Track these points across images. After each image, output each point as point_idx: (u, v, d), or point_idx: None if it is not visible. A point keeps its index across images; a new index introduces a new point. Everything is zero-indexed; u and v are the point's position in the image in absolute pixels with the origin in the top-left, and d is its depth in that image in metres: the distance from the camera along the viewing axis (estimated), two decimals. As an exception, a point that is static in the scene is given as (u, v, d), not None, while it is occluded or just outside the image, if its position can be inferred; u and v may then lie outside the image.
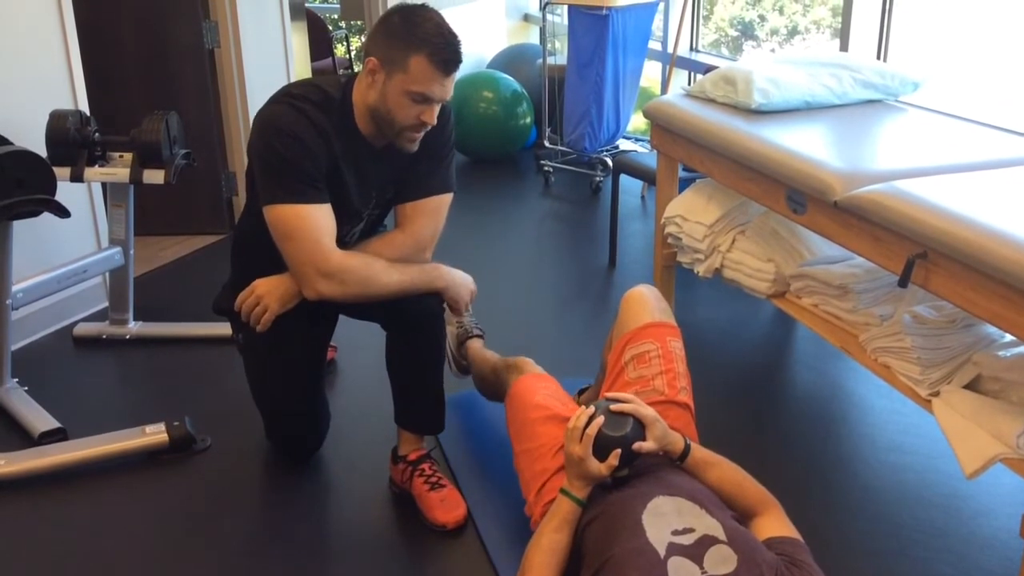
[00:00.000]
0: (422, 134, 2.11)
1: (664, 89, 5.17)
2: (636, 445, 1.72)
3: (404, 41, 2.00)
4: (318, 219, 2.08)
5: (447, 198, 2.28)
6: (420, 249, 2.24)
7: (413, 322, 2.23)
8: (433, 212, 2.25)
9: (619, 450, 1.71)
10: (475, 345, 2.66)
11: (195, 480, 2.44)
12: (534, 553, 1.72)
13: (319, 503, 2.35)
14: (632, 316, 2.15)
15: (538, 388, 2.13)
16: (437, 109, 2.07)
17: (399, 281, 2.16)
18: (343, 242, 2.18)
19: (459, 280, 2.30)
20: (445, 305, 2.30)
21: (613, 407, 1.76)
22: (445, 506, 2.23)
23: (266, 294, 2.17)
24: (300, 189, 2.07)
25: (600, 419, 1.73)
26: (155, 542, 2.20)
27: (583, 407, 1.78)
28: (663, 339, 2.09)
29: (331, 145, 2.10)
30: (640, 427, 1.74)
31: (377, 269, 2.14)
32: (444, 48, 2.00)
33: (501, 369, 2.37)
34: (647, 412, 1.75)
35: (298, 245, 2.08)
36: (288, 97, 2.10)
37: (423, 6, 2.05)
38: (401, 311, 2.22)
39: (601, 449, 1.72)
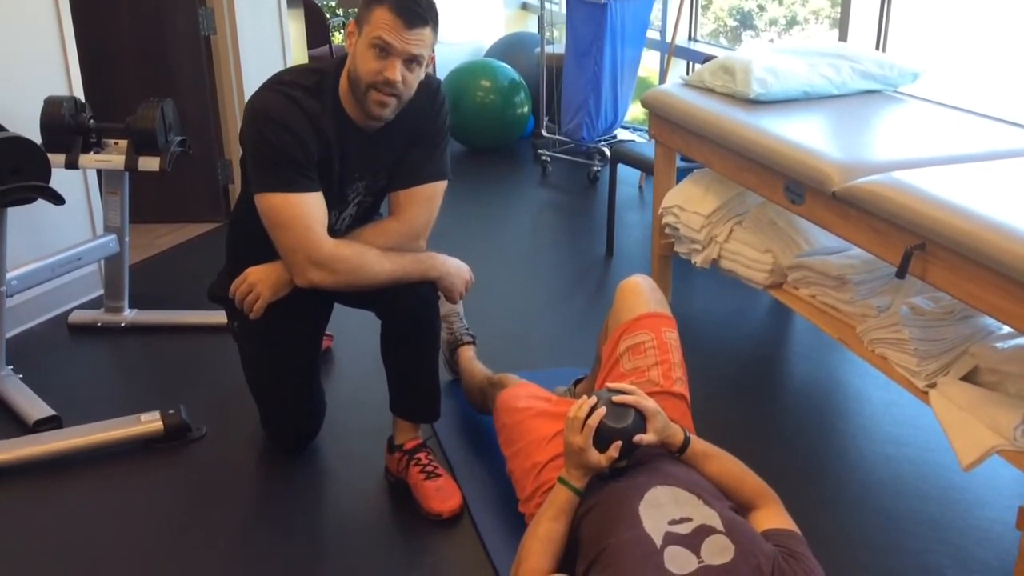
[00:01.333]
0: (391, 100, 2.06)
1: (662, 79, 5.16)
2: (637, 437, 1.71)
3: None
4: (309, 208, 2.07)
5: (441, 185, 2.26)
6: (413, 237, 2.23)
7: (407, 310, 2.22)
8: (427, 200, 2.23)
9: (619, 442, 1.70)
10: (466, 355, 2.68)
11: (190, 469, 2.44)
12: (531, 541, 1.71)
13: (314, 492, 2.34)
14: (627, 307, 2.15)
15: (519, 394, 2.16)
16: (400, 70, 2.01)
17: (391, 270, 2.15)
18: (333, 229, 2.17)
19: (453, 270, 2.28)
20: (440, 294, 2.29)
21: (615, 398, 1.75)
22: (441, 495, 2.23)
23: (258, 282, 2.17)
24: (290, 178, 2.06)
25: (602, 410, 1.73)
26: (150, 530, 2.20)
27: (584, 397, 1.77)
28: (658, 330, 2.09)
29: (323, 131, 2.09)
30: (641, 419, 1.73)
31: (369, 258, 2.13)
32: None
33: (487, 387, 2.41)
34: (649, 404, 1.75)
35: (289, 234, 2.08)
36: (279, 84, 2.09)
37: None
38: (395, 299, 2.20)
39: (602, 440, 1.71)
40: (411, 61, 2.03)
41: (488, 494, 2.28)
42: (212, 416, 2.65)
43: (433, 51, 2.10)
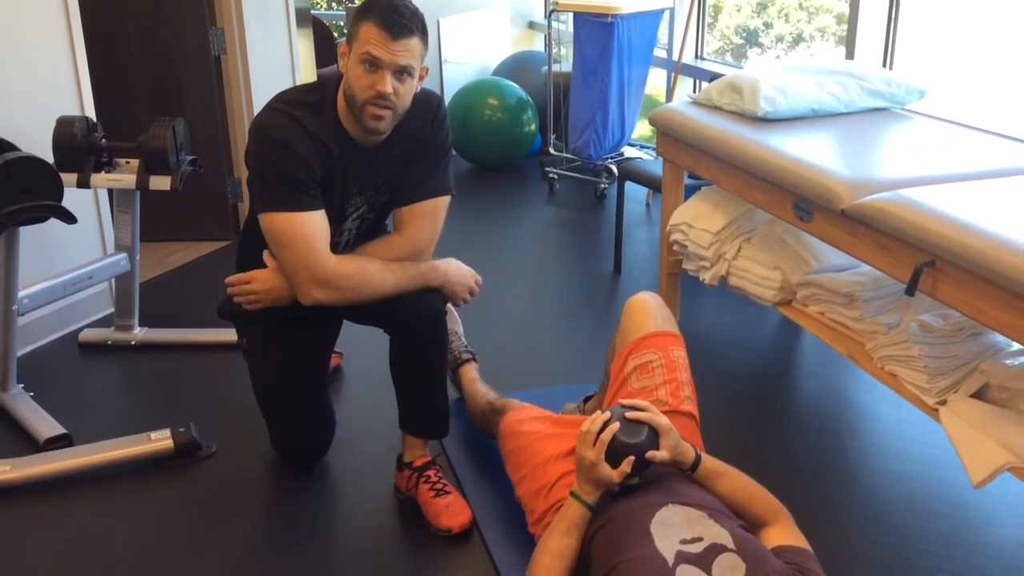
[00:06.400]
0: (386, 113, 2.07)
1: (669, 96, 5.18)
2: (649, 453, 1.71)
3: (358, 15, 2.04)
4: (312, 226, 2.09)
5: (444, 201, 2.27)
6: (417, 253, 2.24)
7: (416, 325, 2.22)
8: (430, 215, 2.25)
9: (632, 457, 1.70)
10: (468, 375, 2.67)
11: (200, 487, 2.44)
12: (541, 556, 1.71)
13: (324, 510, 2.34)
14: (634, 325, 2.15)
15: (523, 418, 2.17)
16: (391, 82, 2.03)
17: (394, 284, 2.17)
18: (333, 243, 2.18)
19: (455, 277, 2.29)
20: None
21: (628, 414, 1.75)
22: (450, 511, 2.23)
23: (262, 291, 2.20)
24: (293, 197, 2.07)
25: (615, 425, 1.73)
26: (160, 548, 2.20)
27: (598, 412, 1.78)
28: (666, 348, 2.09)
29: (326, 148, 2.11)
30: (654, 436, 1.73)
31: (371, 272, 2.15)
32: (390, 11, 2.01)
33: (489, 414, 2.41)
34: (662, 421, 1.75)
35: (292, 253, 2.09)
36: (281, 103, 2.11)
37: None
38: (404, 314, 2.21)
39: (614, 455, 1.71)
40: (401, 72, 2.05)
41: (497, 511, 2.28)
42: (222, 434, 2.65)
43: (424, 62, 2.11)
